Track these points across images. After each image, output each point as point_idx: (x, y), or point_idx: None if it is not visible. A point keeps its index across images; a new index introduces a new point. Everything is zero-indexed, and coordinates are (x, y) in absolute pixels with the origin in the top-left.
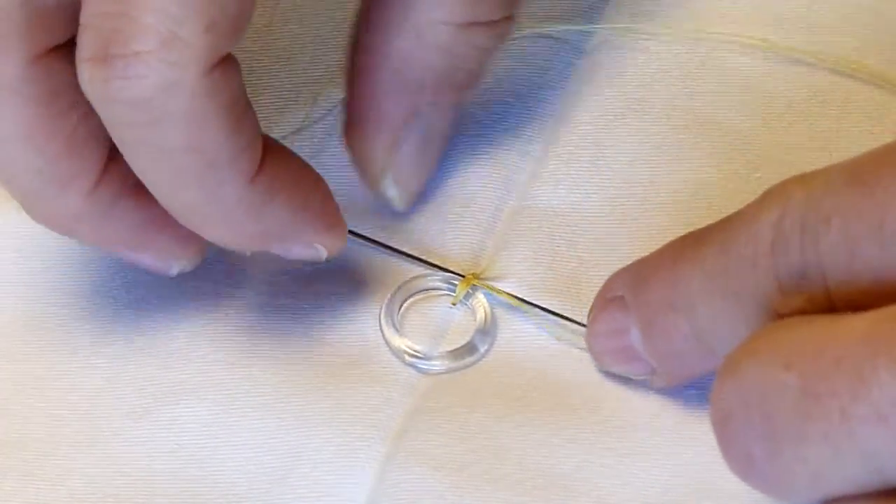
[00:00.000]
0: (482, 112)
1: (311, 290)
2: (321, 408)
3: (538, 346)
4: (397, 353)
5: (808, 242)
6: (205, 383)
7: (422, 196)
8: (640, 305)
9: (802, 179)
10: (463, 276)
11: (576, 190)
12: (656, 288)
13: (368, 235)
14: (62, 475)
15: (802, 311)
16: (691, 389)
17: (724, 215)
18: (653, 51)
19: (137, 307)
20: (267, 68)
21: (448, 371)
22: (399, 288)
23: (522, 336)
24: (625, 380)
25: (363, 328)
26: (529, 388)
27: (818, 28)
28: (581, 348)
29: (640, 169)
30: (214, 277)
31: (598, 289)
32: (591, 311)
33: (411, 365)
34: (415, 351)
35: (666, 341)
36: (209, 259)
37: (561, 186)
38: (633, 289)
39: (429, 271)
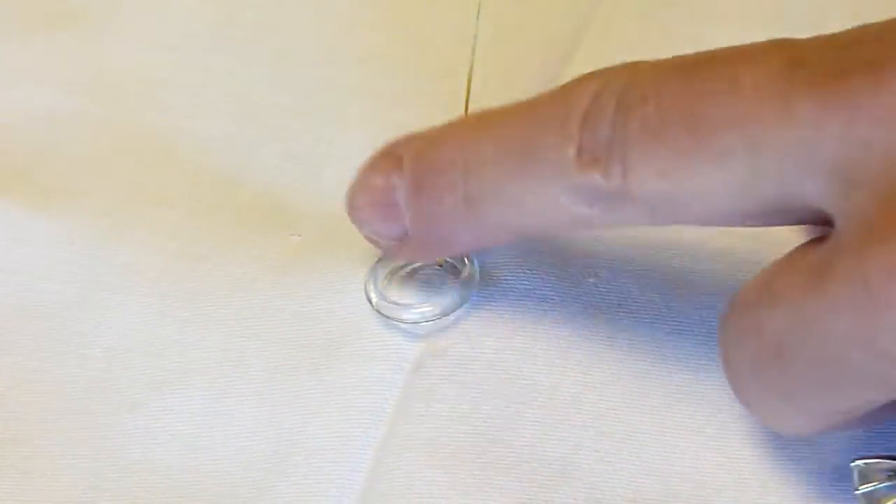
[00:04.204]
0: (476, 102)
1: (302, 265)
2: (315, 394)
3: (527, 309)
4: (381, 310)
5: (620, 116)
6: (197, 371)
7: None
8: (420, 163)
9: (631, 63)
10: None
11: None
12: (444, 149)
13: None
14: (58, 470)
15: (593, 184)
16: (684, 374)
17: None
18: (653, 49)
19: (127, 296)
20: None
21: (435, 320)
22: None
23: (511, 297)
24: (619, 360)
25: (351, 300)
26: (518, 361)
27: (822, 28)
28: (567, 318)
29: None
30: (208, 259)
31: (592, 261)
32: (364, 164)
33: (398, 321)
34: (399, 304)
35: (435, 200)
36: (202, 242)
37: None
38: (417, 149)
39: None
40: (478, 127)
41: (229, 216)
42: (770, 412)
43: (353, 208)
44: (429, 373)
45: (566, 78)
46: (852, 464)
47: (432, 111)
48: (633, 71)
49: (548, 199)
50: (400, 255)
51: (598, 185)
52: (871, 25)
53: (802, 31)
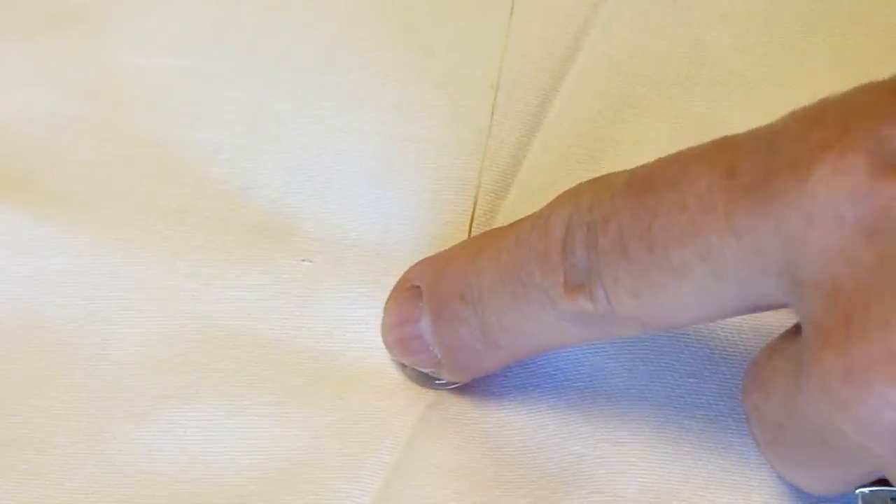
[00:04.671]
0: (480, 103)
1: (317, 298)
2: (329, 419)
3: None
4: (405, 372)
5: (591, 239)
6: (208, 388)
7: (420, 191)
8: (433, 295)
9: (594, 182)
10: None
11: (573, 183)
12: (450, 279)
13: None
14: (62, 475)
15: (583, 310)
16: (686, 378)
17: None
18: (653, 50)
19: (136, 313)
20: None
21: (456, 383)
22: None
23: None
24: (617, 368)
25: (372, 339)
26: (530, 388)
27: (821, 28)
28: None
29: (639, 161)
30: (218, 281)
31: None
32: (388, 300)
33: (419, 382)
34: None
35: (453, 333)
36: (211, 261)
37: (558, 178)
38: (430, 279)
39: None
40: (477, 256)
41: (238, 235)
42: (794, 479)
43: (387, 345)
44: (445, 408)
45: (568, 81)
46: (857, 490)
47: (436, 121)
48: (596, 189)
49: (549, 324)
50: (442, 376)
51: (587, 310)
52: (799, 114)
53: (802, 31)
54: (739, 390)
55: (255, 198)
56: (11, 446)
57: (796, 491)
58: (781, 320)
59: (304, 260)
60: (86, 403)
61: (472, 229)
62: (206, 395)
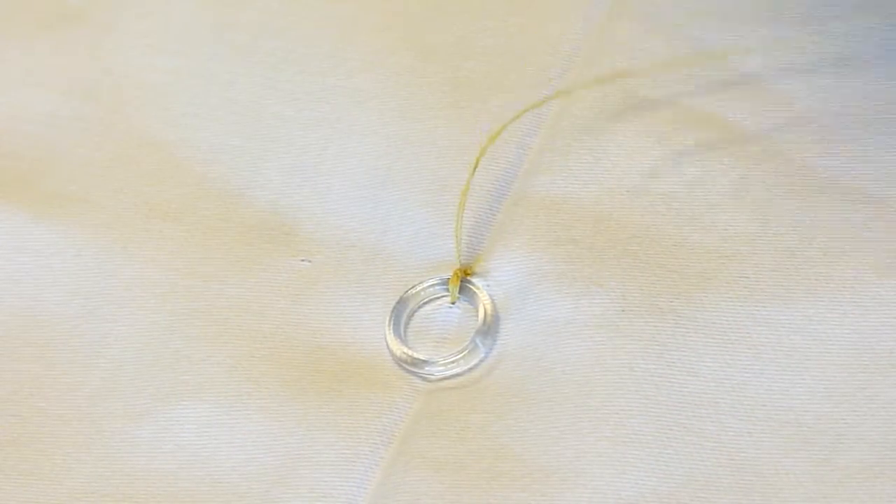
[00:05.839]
0: (480, 105)
1: (315, 294)
2: (324, 412)
3: (534, 334)
4: (400, 362)
5: None
6: (205, 384)
7: (419, 191)
8: None
9: None
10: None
11: (573, 181)
12: None
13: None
14: (62, 475)
15: None
16: (687, 377)
17: (723, 209)
18: (653, 50)
19: (134, 311)
20: None
21: (452, 377)
22: (403, 296)
23: (522, 326)
24: (617, 364)
25: (367, 334)
26: (527, 381)
27: (823, 30)
28: (573, 333)
29: (639, 160)
30: (217, 279)
31: (594, 270)
32: None
33: (414, 374)
34: (417, 359)
35: None
36: (210, 259)
37: (558, 177)
38: None
39: (432, 277)
40: None
41: (236, 234)
42: None
43: None
44: (441, 399)
45: (568, 81)
46: None
47: (436, 122)
48: None
49: None
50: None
51: None
52: None
53: (804, 31)
54: (742, 386)
55: (254, 198)
56: (11, 446)
57: (799, 492)
58: None
59: (303, 260)
60: (85, 402)
61: (471, 229)
62: (204, 391)
